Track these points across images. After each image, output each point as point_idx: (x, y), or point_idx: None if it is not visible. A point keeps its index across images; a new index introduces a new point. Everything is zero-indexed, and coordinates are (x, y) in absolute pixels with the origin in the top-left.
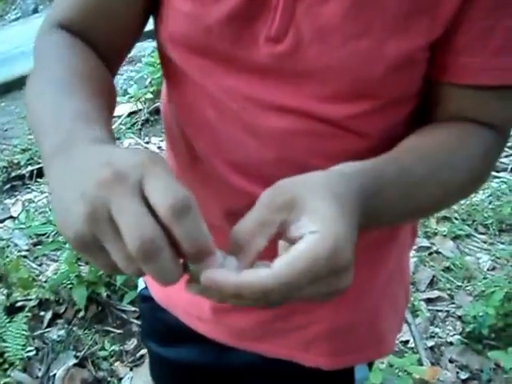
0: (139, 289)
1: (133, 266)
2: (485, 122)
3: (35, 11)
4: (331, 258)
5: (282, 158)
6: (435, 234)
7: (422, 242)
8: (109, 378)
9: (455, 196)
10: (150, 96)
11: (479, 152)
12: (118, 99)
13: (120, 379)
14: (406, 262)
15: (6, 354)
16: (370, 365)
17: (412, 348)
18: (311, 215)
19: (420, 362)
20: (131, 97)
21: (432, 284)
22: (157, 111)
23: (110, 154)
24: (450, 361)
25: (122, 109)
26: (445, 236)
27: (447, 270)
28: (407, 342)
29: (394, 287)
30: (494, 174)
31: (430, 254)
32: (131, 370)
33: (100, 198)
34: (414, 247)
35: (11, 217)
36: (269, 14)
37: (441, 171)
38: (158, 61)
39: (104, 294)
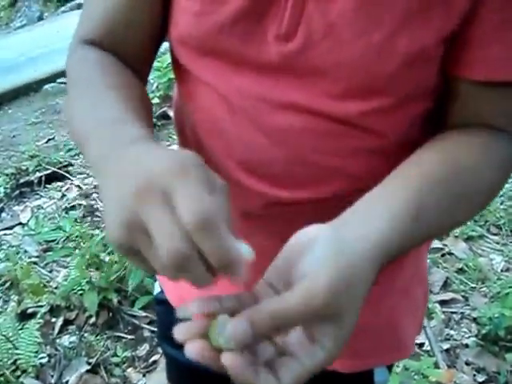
0: (155, 292)
1: (169, 272)
2: (499, 126)
3: (40, 18)
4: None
5: (294, 157)
6: (447, 235)
7: (435, 243)
8: None
9: (473, 213)
10: (157, 101)
11: (497, 165)
12: None
13: None
14: (424, 262)
15: (19, 361)
16: (390, 368)
17: (428, 351)
18: (333, 330)
19: (436, 365)
20: None
21: (446, 286)
22: (164, 116)
23: (144, 159)
24: (467, 363)
25: None
26: (457, 237)
27: (460, 271)
28: (422, 344)
29: (413, 288)
30: None
31: (443, 255)
32: (144, 375)
33: (133, 207)
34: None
35: (20, 223)
36: (278, 12)
37: (460, 198)
38: (165, 65)
39: (115, 300)
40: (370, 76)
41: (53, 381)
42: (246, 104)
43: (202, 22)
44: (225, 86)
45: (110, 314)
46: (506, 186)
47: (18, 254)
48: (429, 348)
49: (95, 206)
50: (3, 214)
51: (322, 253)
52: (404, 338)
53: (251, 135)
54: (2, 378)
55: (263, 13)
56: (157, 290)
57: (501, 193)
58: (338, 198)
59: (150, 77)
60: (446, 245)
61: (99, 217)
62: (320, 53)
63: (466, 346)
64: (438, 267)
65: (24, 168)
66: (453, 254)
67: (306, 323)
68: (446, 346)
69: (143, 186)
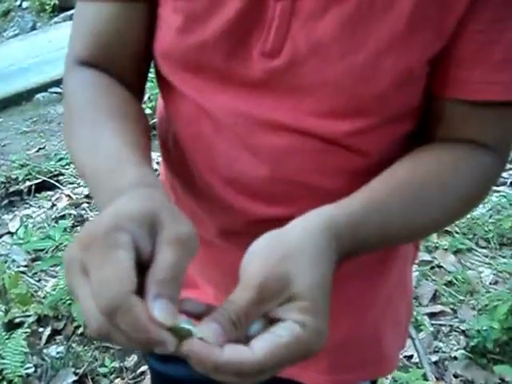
0: None
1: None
2: (483, 143)
3: (33, 28)
4: (312, 349)
5: (278, 175)
6: (436, 248)
7: (424, 256)
8: None
9: (445, 222)
10: (148, 111)
11: (473, 179)
12: None
13: None
14: (409, 276)
15: (5, 372)
16: (374, 383)
17: (416, 363)
18: (300, 303)
19: (425, 377)
20: None
21: (435, 298)
22: (155, 127)
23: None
24: (455, 376)
25: None
26: (446, 250)
27: (449, 284)
28: (411, 356)
29: (396, 302)
30: (493, 188)
31: (432, 268)
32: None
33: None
34: (416, 261)
35: (9, 232)
36: (263, 29)
37: (426, 205)
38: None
39: None
40: (355, 96)
41: None
42: (230, 121)
43: (185, 39)
44: (208, 102)
45: None
46: (494, 199)
47: (6, 262)
48: (417, 360)
49: (85, 216)
50: None
51: (255, 247)
52: (388, 353)
53: (236, 152)
54: None
55: (248, 30)
56: None
57: (489, 206)
58: None
59: None
60: (435, 257)
61: None
62: (305, 71)
63: (455, 358)
64: (426, 280)
65: (14, 177)
66: (442, 266)
67: (265, 309)
68: (434, 358)
69: (71, 252)
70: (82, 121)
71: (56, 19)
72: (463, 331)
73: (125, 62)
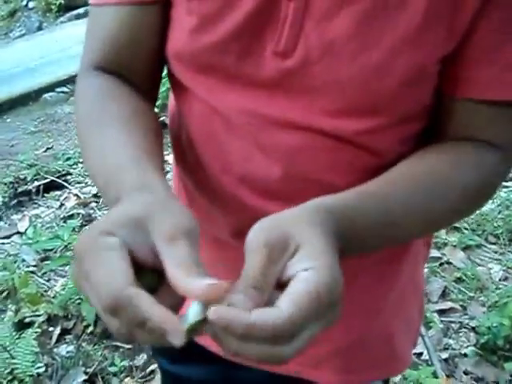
0: None
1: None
2: (492, 142)
3: (39, 28)
4: (331, 291)
5: (290, 174)
6: (445, 244)
7: (433, 252)
8: None
9: (449, 218)
10: (155, 110)
11: (477, 176)
12: None
13: None
14: (421, 274)
15: (16, 371)
16: (386, 382)
17: (426, 360)
18: (306, 251)
19: (435, 375)
20: None
21: (444, 295)
22: (163, 125)
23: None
24: (465, 373)
25: None
26: (455, 246)
27: (459, 280)
28: (421, 354)
29: (408, 302)
30: (503, 183)
31: (441, 264)
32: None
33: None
34: None
35: (18, 232)
36: (276, 29)
37: (426, 202)
38: (163, 74)
39: None
40: (367, 95)
41: None
42: (242, 120)
43: (198, 39)
44: (221, 102)
45: None
46: (503, 195)
47: (15, 263)
48: (427, 357)
49: (93, 215)
50: (1, 223)
51: (253, 228)
52: (400, 351)
53: (248, 151)
54: None
55: (261, 29)
56: None
57: (498, 202)
58: None
59: None
60: (444, 254)
61: None
62: (318, 70)
63: (465, 355)
64: (436, 276)
65: (22, 177)
66: (451, 263)
67: (278, 268)
68: (444, 355)
69: (76, 253)
70: (92, 127)
71: (62, 19)
72: (473, 328)
73: (139, 66)
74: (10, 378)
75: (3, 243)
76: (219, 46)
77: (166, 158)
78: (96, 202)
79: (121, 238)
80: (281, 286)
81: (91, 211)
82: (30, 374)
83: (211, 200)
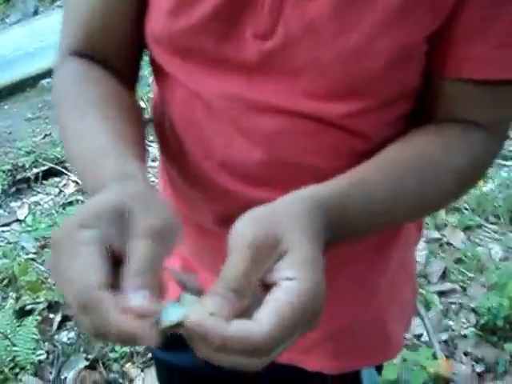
0: None
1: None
2: (480, 123)
3: (36, 13)
4: (313, 304)
5: (272, 159)
6: (445, 225)
7: (433, 233)
8: (120, 380)
9: (438, 202)
10: (152, 95)
11: (466, 158)
12: None
13: (131, 381)
14: (412, 259)
15: (17, 359)
16: (379, 369)
17: (426, 342)
18: (293, 258)
19: (434, 356)
20: None
21: (444, 276)
22: None
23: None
24: (465, 353)
25: None
26: (455, 227)
27: (459, 261)
28: (421, 335)
29: (400, 286)
30: (502, 162)
31: (441, 245)
32: (142, 371)
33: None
34: (424, 239)
35: (18, 220)
36: (255, 10)
37: (417, 187)
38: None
39: None
40: (349, 77)
41: (51, 377)
42: (223, 105)
43: (176, 22)
44: (201, 86)
45: None
46: (504, 174)
47: (15, 250)
48: (427, 339)
49: None
50: (0, 211)
51: (240, 220)
52: (392, 336)
53: (230, 136)
54: (0, 376)
55: (240, 11)
56: None
57: (499, 181)
58: None
59: (146, 70)
60: (444, 235)
61: None
62: (299, 52)
63: (465, 336)
64: (435, 257)
65: (21, 164)
66: (451, 244)
67: (262, 269)
68: (444, 336)
69: (52, 245)
70: (69, 112)
71: (58, 3)
72: (473, 309)
73: (113, 51)
74: (11, 365)
75: (3, 231)
76: (197, 28)
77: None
78: None
79: (99, 230)
80: (264, 285)
81: None
82: (32, 361)
83: (193, 187)
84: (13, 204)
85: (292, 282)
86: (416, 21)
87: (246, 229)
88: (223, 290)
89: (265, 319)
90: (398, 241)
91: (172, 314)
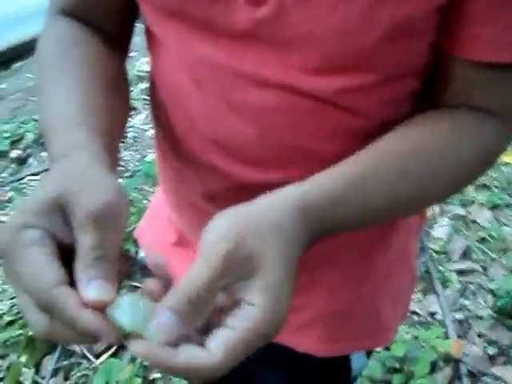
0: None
1: None
2: (490, 109)
3: None
4: (270, 334)
5: (265, 137)
6: (472, 202)
7: (457, 209)
8: None
9: (438, 197)
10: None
11: (473, 150)
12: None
13: None
14: (413, 247)
15: None
16: (369, 354)
17: (439, 320)
18: (261, 281)
19: (446, 335)
20: None
21: (465, 255)
22: None
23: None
24: (479, 335)
25: None
26: (482, 205)
27: (482, 240)
28: (435, 313)
29: (398, 274)
30: None
31: (466, 222)
32: None
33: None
34: (449, 215)
35: (47, 170)
36: None
37: (418, 182)
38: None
39: (133, 251)
40: (348, 49)
41: None
42: (212, 76)
43: None
44: (189, 54)
45: (128, 263)
46: None
47: None
48: (441, 317)
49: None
50: (30, 160)
51: (218, 222)
52: (385, 325)
53: (219, 112)
54: (21, 321)
55: None
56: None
57: None
58: None
59: None
60: (469, 212)
61: (122, 166)
62: (293, 22)
63: (480, 317)
64: (458, 235)
65: None
66: (476, 222)
67: (225, 284)
68: (458, 316)
69: (1, 242)
70: (46, 74)
71: None
72: (491, 290)
73: (107, 12)
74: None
75: (32, 180)
76: None
77: None
78: (122, 142)
79: (41, 227)
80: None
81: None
82: None
83: (182, 161)
84: (43, 154)
85: (252, 308)
86: None
87: (219, 237)
88: (180, 301)
89: (215, 349)
90: (399, 223)
91: (124, 316)
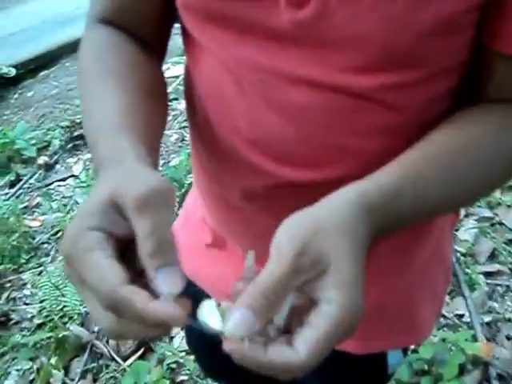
0: None
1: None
2: None
3: None
4: (352, 325)
5: (306, 136)
6: (499, 204)
7: (484, 212)
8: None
9: (487, 191)
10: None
11: None
12: (176, 59)
13: (172, 338)
14: (447, 243)
15: (66, 308)
16: (405, 350)
17: (467, 322)
18: (335, 278)
19: (475, 338)
20: None
21: (492, 257)
22: None
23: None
24: (508, 338)
25: (178, 69)
26: (509, 207)
27: (510, 242)
28: (462, 315)
29: (433, 271)
30: None
31: (493, 224)
32: (182, 329)
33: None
34: (475, 217)
35: (73, 175)
36: None
37: (466, 175)
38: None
39: None
40: (390, 48)
41: (96, 329)
42: (254, 77)
43: None
44: (232, 56)
45: None
46: None
47: (69, 205)
48: (468, 320)
49: None
50: (57, 166)
51: (287, 223)
52: (421, 322)
53: (260, 111)
54: (51, 324)
55: None
56: None
57: None
58: (345, 182)
59: None
60: (496, 214)
61: None
62: (336, 22)
63: (509, 320)
64: (485, 237)
65: (78, 121)
66: (503, 224)
67: (298, 283)
68: (487, 318)
69: (64, 256)
70: (86, 80)
71: None
72: None
73: (143, 19)
74: (61, 314)
75: (59, 185)
76: None
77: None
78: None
79: (100, 228)
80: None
81: None
82: (79, 312)
83: (221, 162)
84: (69, 160)
85: (331, 307)
86: None
87: (289, 241)
88: (255, 300)
89: (302, 348)
90: (433, 226)
91: (207, 317)
